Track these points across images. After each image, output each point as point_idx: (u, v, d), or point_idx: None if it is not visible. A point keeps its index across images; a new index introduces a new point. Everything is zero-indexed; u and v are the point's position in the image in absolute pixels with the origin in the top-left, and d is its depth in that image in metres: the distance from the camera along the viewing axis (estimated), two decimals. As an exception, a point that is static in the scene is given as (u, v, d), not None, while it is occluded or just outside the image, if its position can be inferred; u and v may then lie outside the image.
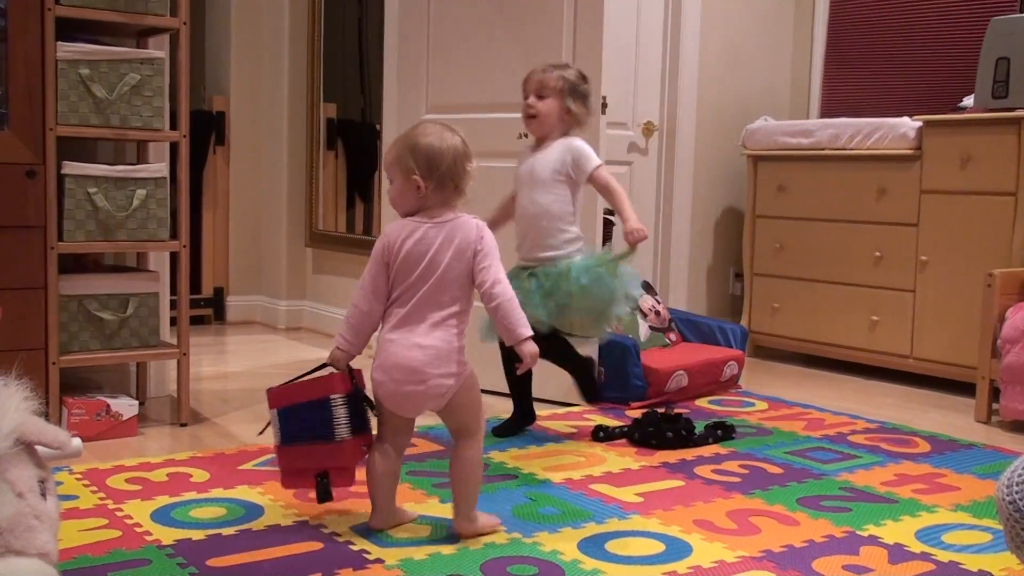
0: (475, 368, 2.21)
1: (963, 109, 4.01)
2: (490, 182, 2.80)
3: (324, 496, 2.17)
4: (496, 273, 2.15)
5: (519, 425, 3.15)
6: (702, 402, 3.65)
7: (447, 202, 2.17)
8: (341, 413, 2.12)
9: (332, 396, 2.13)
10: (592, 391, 3.22)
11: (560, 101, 2.93)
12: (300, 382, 2.19)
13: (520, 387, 3.14)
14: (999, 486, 1.65)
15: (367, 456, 2.21)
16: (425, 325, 2.12)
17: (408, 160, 2.14)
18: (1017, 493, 1.61)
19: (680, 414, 3.13)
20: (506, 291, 2.15)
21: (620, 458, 2.86)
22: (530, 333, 2.16)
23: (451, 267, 2.13)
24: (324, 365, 2.21)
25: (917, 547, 2.19)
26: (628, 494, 2.52)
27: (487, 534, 2.19)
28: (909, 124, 4.00)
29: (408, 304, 2.13)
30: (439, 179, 2.14)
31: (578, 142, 2.97)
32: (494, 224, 3.01)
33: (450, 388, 2.13)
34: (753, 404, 3.63)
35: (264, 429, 2.26)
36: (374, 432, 2.22)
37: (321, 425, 2.13)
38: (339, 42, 5.13)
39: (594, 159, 2.97)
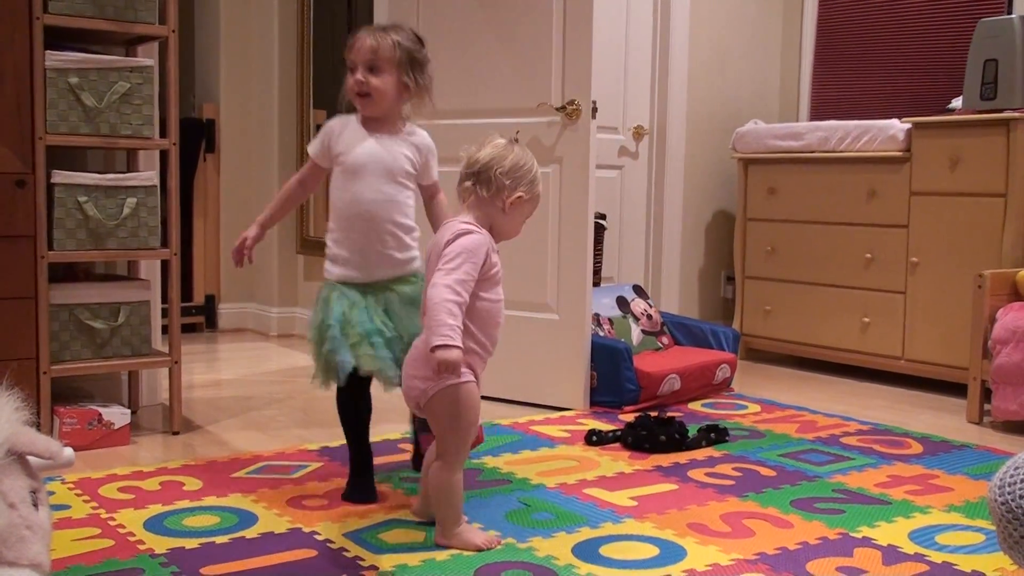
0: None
1: (952, 111, 4.03)
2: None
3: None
4: (440, 277, 2.06)
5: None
6: (695, 405, 3.65)
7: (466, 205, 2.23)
8: None
9: None
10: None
11: (397, 75, 2.42)
12: None
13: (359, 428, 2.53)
14: (991, 487, 1.66)
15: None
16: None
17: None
18: (1009, 494, 1.61)
19: (673, 417, 3.13)
20: (434, 295, 2.05)
21: (613, 462, 2.86)
22: (441, 342, 1.99)
23: (431, 270, 2.16)
24: None
25: (911, 548, 2.19)
26: (622, 498, 2.52)
27: (469, 551, 2.11)
28: (898, 126, 4.02)
29: None
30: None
31: (430, 141, 2.55)
32: (272, 220, 2.69)
33: (422, 392, 2.13)
34: (746, 407, 3.63)
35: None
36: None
37: None
38: (329, 48, 5.13)
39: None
